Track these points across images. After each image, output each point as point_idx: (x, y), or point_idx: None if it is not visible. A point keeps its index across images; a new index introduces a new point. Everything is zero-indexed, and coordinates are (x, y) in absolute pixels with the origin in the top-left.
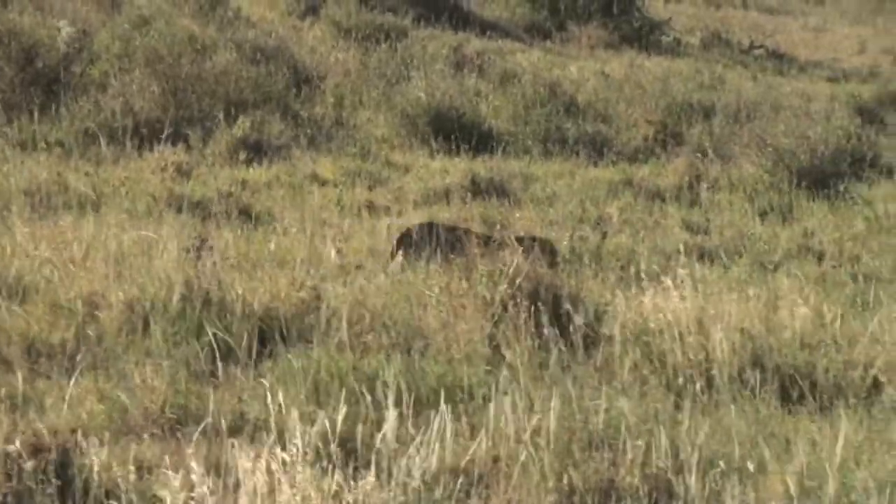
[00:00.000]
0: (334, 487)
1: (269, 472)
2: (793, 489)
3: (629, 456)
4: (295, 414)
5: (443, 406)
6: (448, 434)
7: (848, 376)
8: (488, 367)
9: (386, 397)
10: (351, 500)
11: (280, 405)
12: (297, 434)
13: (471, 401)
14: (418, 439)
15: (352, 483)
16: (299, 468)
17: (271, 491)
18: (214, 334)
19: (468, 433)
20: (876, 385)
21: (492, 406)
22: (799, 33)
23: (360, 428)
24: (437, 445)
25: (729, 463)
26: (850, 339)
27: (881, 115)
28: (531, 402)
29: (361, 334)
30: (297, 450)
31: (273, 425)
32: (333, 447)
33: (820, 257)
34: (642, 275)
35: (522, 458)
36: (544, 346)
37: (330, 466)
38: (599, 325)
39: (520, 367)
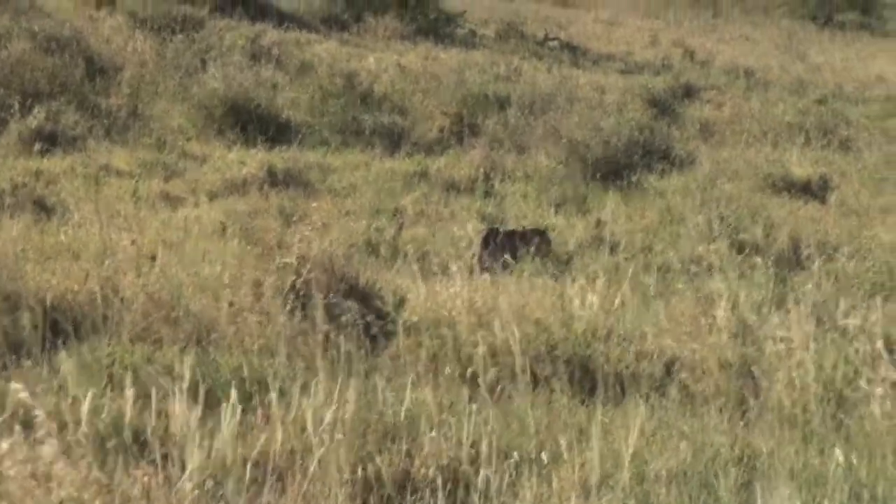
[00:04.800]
0: (117, 479)
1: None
2: (587, 479)
3: (425, 447)
4: (83, 407)
5: (234, 398)
6: (241, 427)
7: (640, 366)
8: (284, 359)
9: (180, 390)
10: (133, 493)
11: (72, 398)
12: (77, 426)
13: (266, 393)
14: (209, 432)
15: (133, 475)
16: (76, 461)
17: (45, 483)
18: (4, 326)
19: (264, 425)
20: (667, 375)
21: (287, 398)
22: (592, 26)
23: (150, 420)
24: (230, 438)
25: (524, 454)
26: (641, 329)
27: (673, 106)
28: (327, 393)
29: (154, 325)
30: (75, 443)
31: (65, 418)
32: (107, 441)
33: (613, 248)
34: (437, 266)
35: (318, 450)
36: (341, 337)
37: (112, 459)
38: (395, 315)
39: (314, 359)
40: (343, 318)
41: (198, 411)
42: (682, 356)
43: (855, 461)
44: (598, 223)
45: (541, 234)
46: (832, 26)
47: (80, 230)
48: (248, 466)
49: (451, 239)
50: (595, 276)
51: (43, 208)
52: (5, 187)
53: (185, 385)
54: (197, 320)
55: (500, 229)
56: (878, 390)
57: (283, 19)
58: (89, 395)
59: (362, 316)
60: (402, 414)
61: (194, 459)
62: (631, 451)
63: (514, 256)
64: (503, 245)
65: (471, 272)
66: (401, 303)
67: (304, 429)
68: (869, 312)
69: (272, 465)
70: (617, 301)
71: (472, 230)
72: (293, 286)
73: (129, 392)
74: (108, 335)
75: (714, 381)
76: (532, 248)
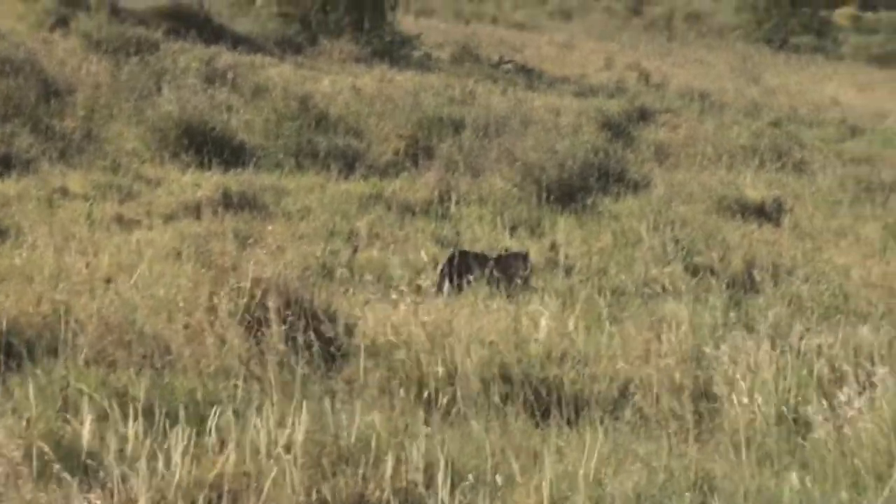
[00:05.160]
0: (70, 502)
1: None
2: (542, 502)
3: (379, 470)
4: (39, 429)
5: (185, 420)
6: (196, 449)
7: (594, 389)
8: (238, 382)
9: (135, 412)
10: None
11: (27, 420)
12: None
13: (221, 415)
14: (163, 454)
15: (86, 498)
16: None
17: None
18: None
19: (218, 448)
20: (622, 398)
21: (242, 420)
22: (547, 49)
23: (104, 443)
24: (186, 460)
25: (478, 476)
26: (596, 352)
27: (628, 129)
28: (282, 416)
29: (109, 348)
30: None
31: (19, 440)
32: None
33: (568, 271)
34: (392, 288)
35: (272, 472)
36: (295, 360)
37: (66, 481)
38: (350, 338)
39: (270, 381)
40: (298, 341)
41: (152, 434)
42: (636, 379)
43: (809, 484)
44: (553, 246)
45: (523, 257)
46: (787, 49)
47: (34, 253)
48: (202, 489)
49: (406, 261)
50: (550, 299)
51: None
52: None
53: (140, 407)
54: (152, 343)
55: (469, 252)
56: (834, 412)
57: (237, 42)
58: (46, 419)
59: (317, 338)
60: (357, 437)
61: (148, 482)
62: (586, 473)
63: (474, 278)
64: (467, 267)
65: (427, 294)
66: (356, 325)
67: (258, 451)
68: (824, 335)
69: (226, 487)
70: (571, 324)
71: (426, 253)
72: (248, 309)
73: (87, 417)
74: (63, 358)
75: (669, 404)
76: (488, 271)
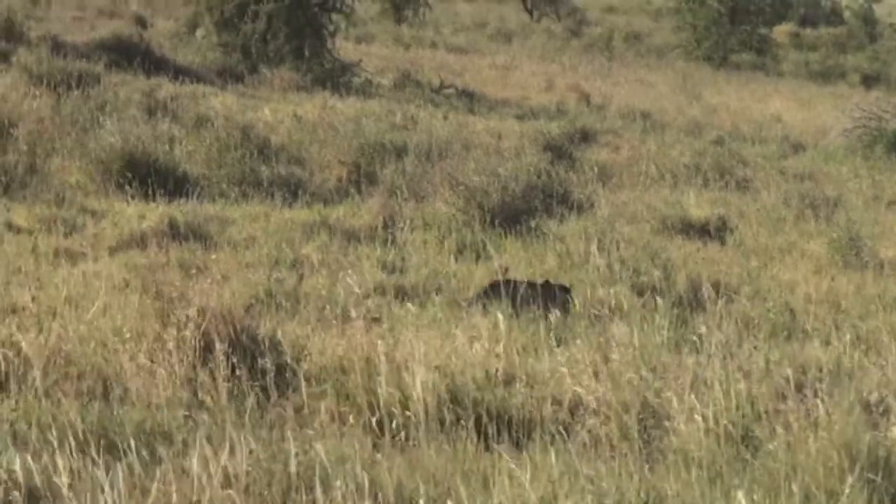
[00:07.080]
0: None
1: None
2: None
3: (329, 497)
4: None
5: (131, 450)
6: (146, 479)
7: (544, 411)
8: (188, 412)
9: (84, 445)
10: None
11: None
12: None
13: (171, 446)
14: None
15: None
16: None
17: None
18: None
19: (168, 478)
20: (572, 419)
21: (191, 450)
22: (488, 72)
23: (58, 475)
24: (135, 492)
25: (428, 501)
26: (545, 374)
27: (570, 150)
28: (231, 445)
29: (58, 381)
30: None
31: None
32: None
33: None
34: (339, 315)
35: (222, 502)
36: (243, 390)
37: None
38: (297, 365)
39: (218, 411)
40: (246, 370)
41: (101, 465)
42: (585, 400)
43: (758, 500)
44: (505, 270)
45: (565, 290)
46: (727, 67)
47: None
48: None
49: (351, 288)
50: (497, 322)
51: None
52: None
53: (90, 440)
54: (99, 375)
55: (514, 280)
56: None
57: (178, 73)
58: None
59: (265, 367)
60: (306, 464)
61: None
62: (536, 496)
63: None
64: (505, 294)
65: (373, 319)
66: (302, 353)
67: (208, 480)
68: (771, 352)
69: None
70: (519, 346)
71: (371, 278)
72: (195, 339)
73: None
74: (15, 392)
75: (619, 425)
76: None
